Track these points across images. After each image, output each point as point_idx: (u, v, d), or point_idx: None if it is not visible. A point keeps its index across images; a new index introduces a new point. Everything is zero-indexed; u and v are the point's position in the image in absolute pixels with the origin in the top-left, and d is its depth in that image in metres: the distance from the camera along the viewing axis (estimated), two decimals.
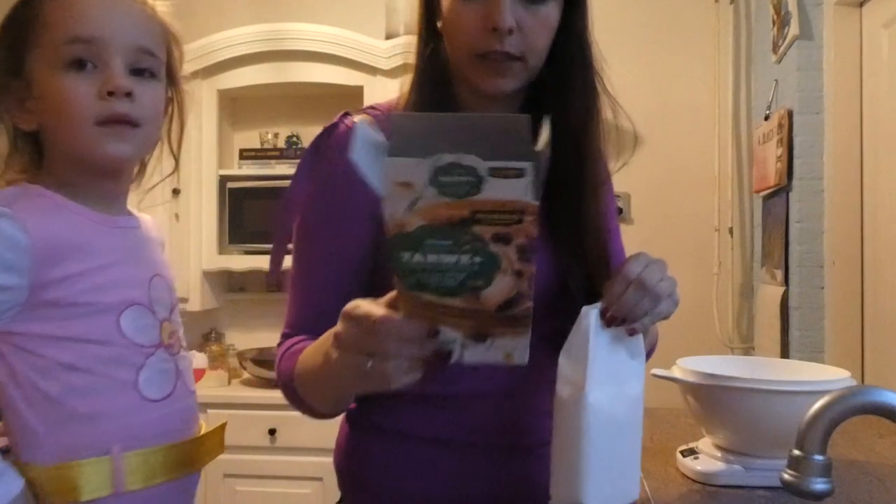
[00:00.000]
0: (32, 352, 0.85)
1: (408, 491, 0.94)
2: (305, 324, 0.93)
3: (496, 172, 0.58)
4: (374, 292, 0.89)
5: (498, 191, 0.58)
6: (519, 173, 0.58)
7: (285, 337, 0.95)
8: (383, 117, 0.89)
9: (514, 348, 0.69)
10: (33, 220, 0.84)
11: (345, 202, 0.91)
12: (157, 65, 0.90)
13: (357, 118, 0.89)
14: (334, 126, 0.94)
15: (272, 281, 0.97)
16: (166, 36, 0.93)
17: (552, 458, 0.83)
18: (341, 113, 0.95)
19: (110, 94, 0.84)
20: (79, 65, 0.85)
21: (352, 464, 1.00)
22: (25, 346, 0.85)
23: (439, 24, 0.93)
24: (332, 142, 0.92)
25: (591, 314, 0.81)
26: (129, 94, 0.85)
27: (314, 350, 0.84)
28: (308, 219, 0.93)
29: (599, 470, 0.79)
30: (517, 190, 0.58)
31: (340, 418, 1.02)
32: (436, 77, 0.94)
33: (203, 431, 1.00)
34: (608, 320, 0.81)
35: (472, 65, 0.90)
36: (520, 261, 0.63)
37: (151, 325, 0.92)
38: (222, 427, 1.03)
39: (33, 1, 0.88)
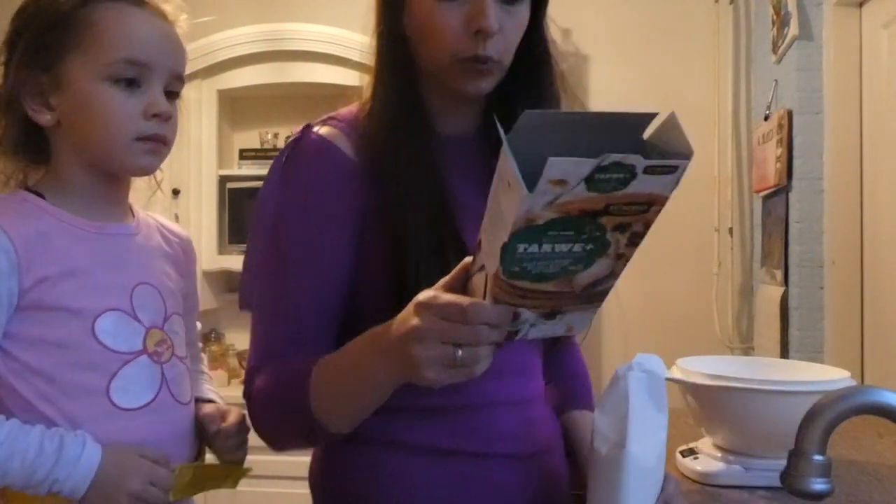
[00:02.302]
0: (9, 353, 0.86)
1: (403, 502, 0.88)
2: (284, 348, 0.87)
3: (650, 170, 0.58)
4: (353, 311, 0.88)
5: (643, 186, 0.59)
6: (671, 170, 0.59)
7: (256, 371, 0.89)
8: (348, 128, 0.89)
9: (578, 321, 0.71)
10: (10, 223, 0.86)
11: (323, 215, 0.87)
12: (181, 87, 0.97)
13: (322, 130, 0.89)
14: (299, 139, 0.90)
15: (249, 303, 0.92)
16: (185, 58, 0.98)
17: None
18: (303, 126, 0.92)
19: (155, 115, 0.90)
20: (127, 83, 0.89)
21: (335, 478, 0.93)
22: (6, 347, 0.86)
23: (404, 25, 0.88)
24: (301, 154, 0.89)
25: (628, 377, 0.84)
26: (168, 118, 0.92)
27: (346, 359, 0.81)
28: (283, 236, 0.88)
29: None
30: (662, 185, 0.60)
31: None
32: (400, 80, 0.89)
33: (204, 458, 0.98)
34: None
35: (450, 68, 0.86)
36: (627, 245, 0.64)
37: (133, 332, 0.90)
38: (242, 472, 0.99)
39: (87, 6, 0.90)
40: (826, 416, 0.72)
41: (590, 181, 0.57)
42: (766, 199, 2.69)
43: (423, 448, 0.88)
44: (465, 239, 0.83)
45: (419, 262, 0.82)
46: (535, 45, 0.91)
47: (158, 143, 0.92)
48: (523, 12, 0.87)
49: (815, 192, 2.31)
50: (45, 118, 0.90)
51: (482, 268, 0.67)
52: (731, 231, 2.95)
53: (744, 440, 1.13)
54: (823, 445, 0.72)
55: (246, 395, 0.90)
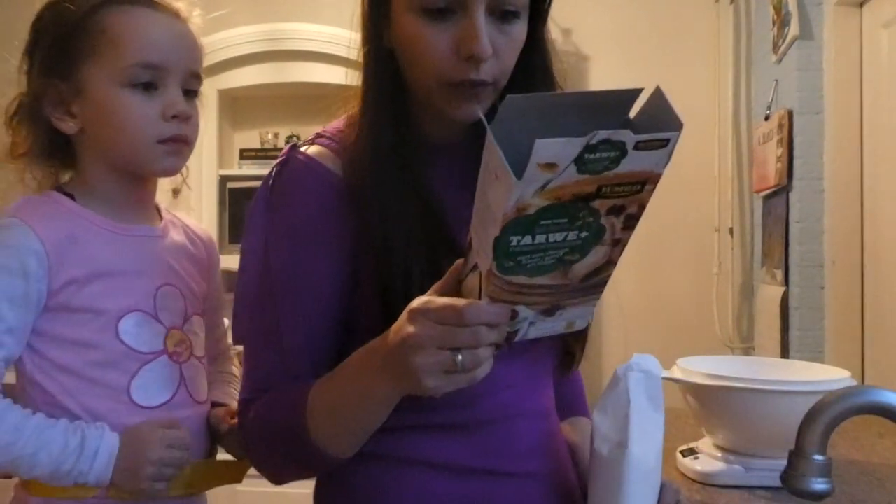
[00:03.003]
0: (37, 350, 0.90)
1: None
2: (277, 378, 0.83)
3: (641, 145, 0.56)
4: (348, 335, 0.84)
5: (635, 163, 0.57)
6: (663, 144, 0.57)
7: (249, 402, 0.84)
8: (336, 146, 0.84)
9: (578, 316, 0.70)
10: (40, 225, 0.88)
11: (314, 239, 0.83)
12: (200, 85, 0.97)
13: (311, 150, 0.84)
14: (285, 162, 0.86)
15: (241, 335, 0.88)
16: (202, 56, 0.99)
17: None
18: (289, 146, 0.87)
19: (174, 117, 0.91)
20: (144, 87, 0.90)
21: (343, 497, 0.88)
22: (33, 344, 0.89)
23: (388, 43, 0.82)
24: (289, 178, 0.85)
25: (628, 377, 0.83)
26: (188, 118, 0.93)
27: (342, 379, 0.78)
28: (273, 264, 0.84)
29: None
30: (653, 160, 0.58)
31: None
32: (387, 98, 0.83)
33: (217, 456, 1.00)
34: None
35: (440, 93, 0.80)
36: (623, 229, 0.63)
37: (155, 333, 0.93)
38: (245, 465, 0.98)
39: (98, 12, 0.90)
40: (826, 416, 0.72)
41: (580, 162, 0.55)
42: (766, 199, 2.69)
43: (442, 465, 0.84)
44: (458, 249, 0.79)
45: (411, 276, 0.78)
46: (531, 59, 0.85)
47: (180, 144, 0.94)
48: (519, 29, 0.80)
49: (816, 192, 2.30)
50: (68, 126, 0.92)
51: (475, 268, 0.66)
52: (731, 231, 2.95)
53: (744, 440, 1.13)
54: (823, 445, 0.72)
55: (240, 427, 0.87)
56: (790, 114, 2.38)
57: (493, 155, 0.58)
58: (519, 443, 0.87)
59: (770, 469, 1.05)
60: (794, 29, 2.32)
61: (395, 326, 0.71)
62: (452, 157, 0.87)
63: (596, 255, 0.64)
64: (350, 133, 0.85)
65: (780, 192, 2.47)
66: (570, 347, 0.92)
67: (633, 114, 0.61)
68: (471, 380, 0.68)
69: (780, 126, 2.40)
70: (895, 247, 2.04)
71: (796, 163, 2.35)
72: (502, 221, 0.58)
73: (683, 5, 3.01)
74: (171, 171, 0.97)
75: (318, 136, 0.87)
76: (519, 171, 0.55)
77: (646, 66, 2.97)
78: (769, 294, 2.55)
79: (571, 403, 1.02)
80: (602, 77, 2.97)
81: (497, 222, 0.59)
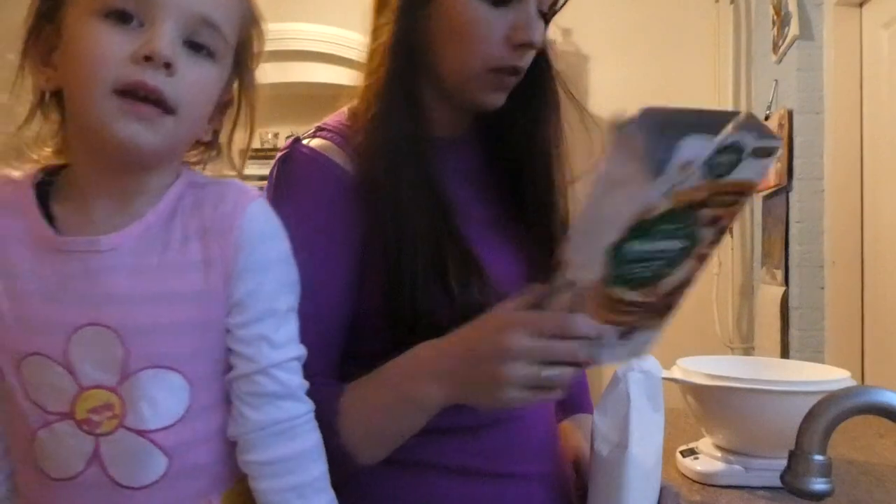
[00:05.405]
0: None
1: None
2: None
3: (756, 151, 0.58)
4: (353, 333, 0.82)
5: (744, 171, 0.59)
6: (771, 152, 0.59)
7: None
8: (340, 139, 0.83)
9: (644, 342, 0.71)
10: None
11: (323, 234, 0.80)
12: (221, 44, 0.69)
13: (314, 143, 0.82)
14: (288, 155, 0.82)
15: None
16: (244, 12, 0.73)
17: None
18: (291, 139, 0.84)
19: (147, 59, 0.63)
20: (120, 17, 0.64)
21: (348, 498, 0.83)
22: None
23: (425, 29, 0.81)
24: (293, 171, 0.82)
25: (628, 377, 0.83)
26: (168, 66, 0.64)
27: (387, 382, 0.75)
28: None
29: None
30: (759, 169, 0.60)
31: None
32: (406, 92, 0.82)
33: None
34: None
35: (478, 77, 0.81)
36: (710, 244, 0.64)
37: (59, 388, 0.65)
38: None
39: None
40: (826, 416, 0.72)
41: (707, 164, 0.57)
42: (766, 199, 2.69)
43: (449, 468, 0.82)
44: (463, 245, 0.80)
45: (417, 274, 0.77)
46: (538, 60, 0.87)
47: (148, 106, 0.64)
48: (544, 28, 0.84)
49: (815, 192, 2.31)
50: (48, 81, 0.68)
51: (564, 287, 0.65)
52: (731, 231, 2.95)
53: (744, 440, 1.12)
54: (823, 445, 0.72)
55: None
56: (790, 114, 2.38)
57: (621, 159, 0.58)
58: (525, 444, 0.87)
59: (770, 469, 1.05)
60: (794, 29, 2.32)
61: (472, 335, 0.70)
62: (458, 152, 0.88)
63: (683, 270, 0.65)
64: (356, 126, 0.83)
65: (780, 192, 2.47)
66: None
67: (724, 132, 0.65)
68: (550, 397, 0.68)
69: (780, 126, 2.40)
70: (895, 247, 2.04)
71: (796, 163, 2.35)
72: (628, 223, 0.59)
73: (683, 5, 3.01)
74: (130, 145, 0.64)
75: (320, 129, 0.84)
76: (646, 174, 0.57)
77: (646, 66, 2.97)
78: (769, 294, 2.55)
79: (574, 401, 1.02)
80: (602, 77, 2.97)
81: (618, 228, 0.60)
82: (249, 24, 0.74)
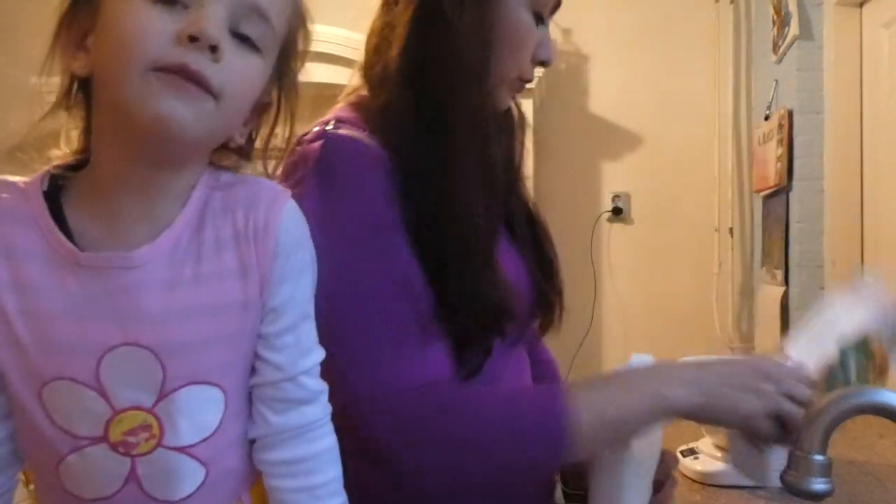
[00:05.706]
0: None
1: None
2: (398, 367, 0.74)
3: None
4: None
5: None
6: None
7: (377, 399, 0.73)
8: (361, 129, 0.79)
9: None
10: None
11: (390, 216, 0.77)
12: (269, 36, 0.65)
13: (342, 131, 0.78)
14: (325, 143, 0.77)
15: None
16: (295, 7, 0.69)
17: None
18: (320, 126, 0.79)
19: (192, 39, 0.58)
20: None
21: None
22: None
23: (475, 27, 0.80)
24: (339, 157, 0.77)
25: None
26: (214, 50, 0.59)
27: (630, 398, 0.78)
28: (347, 251, 0.75)
29: None
30: None
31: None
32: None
33: None
34: None
35: (510, 84, 0.87)
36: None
37: (90, 412, 0.61)
38: None
39: None
40: (826, 416, 0.72)
41: None
42: (766, 199, 2.69)
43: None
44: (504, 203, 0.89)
45: (475, 259, 0.78)
46: None
47: (189, 82, 0.58)
48: None
49: (816, 192, 2.31)
50: (81, 66, 0.63)
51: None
52: (731, 231, 2.95)
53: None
54: (823, 445, 0.72)
55: (376, 427, 0.74)
56: (790, 114, 2.38)
57: None
58: None
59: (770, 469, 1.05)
60: (794, 29, 2.32)
61: (732, 361, 0.84)
62: None
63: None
64: (370, 116, 0.80)
65: (780, 192, 2.47)
66: (549, 297, 0.93)
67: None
68: (771, 441, 0.80)
69: (780, 126, 2.40)
70: (895, 247, 2.04)
71: (796, 163, 2.35)
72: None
73: (683, 5, 3.01)
74: (164, 121, 0.58)
75: (337, 120, 0.80)
76: None
77: (646, 66, 2.97)
78: (769, 294, 2.55)
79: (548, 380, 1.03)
80: (602, 77, 2.97)
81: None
82: (298, 20, 0.70)
